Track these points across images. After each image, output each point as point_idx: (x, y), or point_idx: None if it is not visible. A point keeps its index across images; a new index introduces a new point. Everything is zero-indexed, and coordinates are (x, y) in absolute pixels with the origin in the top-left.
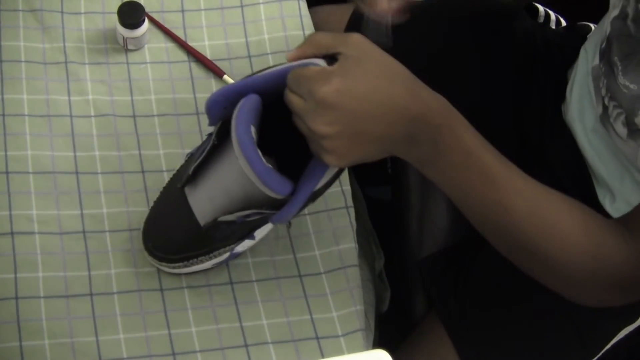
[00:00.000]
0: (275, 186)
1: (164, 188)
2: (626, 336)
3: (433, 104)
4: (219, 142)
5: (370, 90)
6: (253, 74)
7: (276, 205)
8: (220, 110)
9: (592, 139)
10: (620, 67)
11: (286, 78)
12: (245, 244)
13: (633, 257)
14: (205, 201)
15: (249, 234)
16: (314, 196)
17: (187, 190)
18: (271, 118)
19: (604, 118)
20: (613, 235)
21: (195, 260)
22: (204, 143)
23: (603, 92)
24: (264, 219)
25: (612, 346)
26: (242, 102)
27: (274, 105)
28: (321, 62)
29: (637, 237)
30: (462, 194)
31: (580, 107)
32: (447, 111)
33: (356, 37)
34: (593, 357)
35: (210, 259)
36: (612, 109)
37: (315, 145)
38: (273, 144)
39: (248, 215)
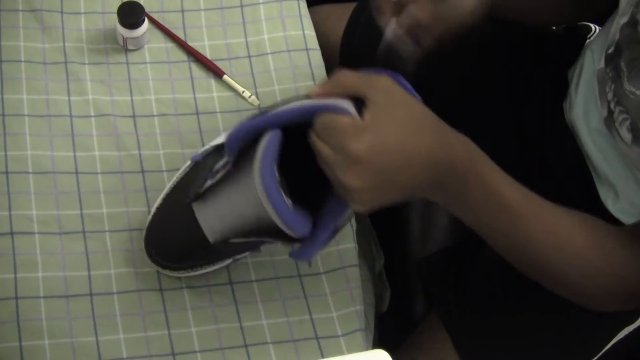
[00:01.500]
0: (298, 228)
1: (167, 195)
2: (626, 336)
3: (459, 149)
4: (234, 167)
5: (399, 142)
6: (273, 106)
7: (291, 237)
8: (240, 144)
9: (597, 139)
10: (626, 73)
11: (309, 114)
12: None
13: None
14: (215, 219)
15: (257, 249)
16: (335, 232)
17: (195, 205)
18: (289, 147)
19: (609, 121)
20: (624, 250)
21: (198, 267)
22: (211, 157)
23: (609, 96)
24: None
25: (612, 346)
26: (266, 141)
27: (292, 135)
28: (348, 105)
29: None
30: (486, 228)
31: (586, 108)
32: (472, 154)
33: (384, 82)
34: (593, 357)
35: (213, 265)
36: (618, 114)
37: (341, 191)
38: (289, 169)
39: (261, 242)
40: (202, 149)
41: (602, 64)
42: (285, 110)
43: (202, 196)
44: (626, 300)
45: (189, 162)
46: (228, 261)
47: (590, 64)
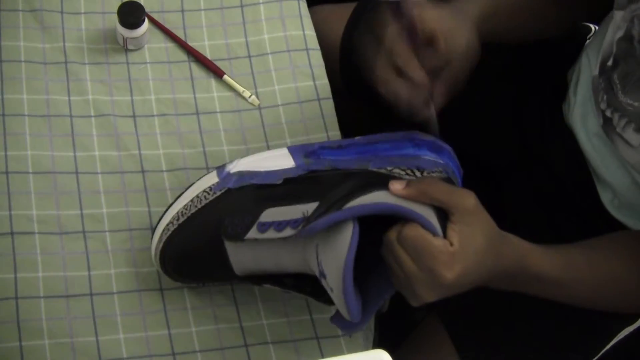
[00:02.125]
0: (356, 316)
1: (192, 215)
2: (626, 337)
3: (511, 257)
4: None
5: (476, 267)
6: (348, 199)
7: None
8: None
9: (595, 143)
10: (619, 86)
11: (391, 212)
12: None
13: None
14: (249, 261)
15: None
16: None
17: (227, 241)
18: None
19: (607, 128)
20: None
21: (212, 284)
22: (250, 197)
23: (603, 105)
24: None
25: (612, 347)
26: (350, 243)
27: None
28: (434, 221)
29: None
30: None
31: (584, 111)
32: (523, 251)
33: (469, 201)
34: (593, 358)
35: (229, 283)
36: (619, 120)
37: (408, 294)
38: None
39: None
40: (233, 168)
41: (596, 72)
42: (368, 205)
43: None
44: None
45: (214, 177)
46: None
47: (587, 68)
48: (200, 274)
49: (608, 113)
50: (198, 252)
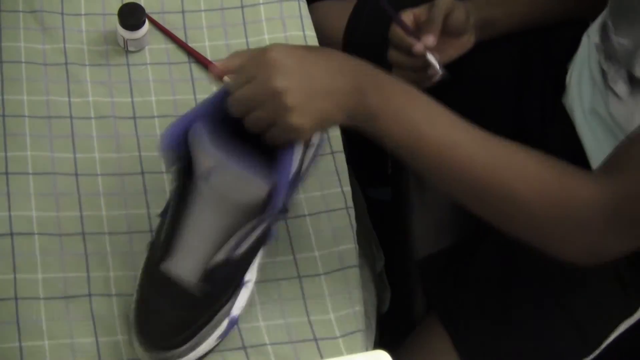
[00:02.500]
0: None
1: (141, 281)
2: (627, 330)
3: (367, 61)
4: (183, 187)
5: (309, 52)
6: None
7: (259, 212)
8: (179, 147)
9: (590, 120)
10: (612, 27)
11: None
12: (240, 301)
13: (601, 193)
14: (189, 261)
15: (241, 281)
16: (298, 179)
17: (164, 265)
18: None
19: (604, 86)
20: (580, 174)
21: (198, 336)
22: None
23: (602, 60)
24: (252, 252)
25: (613, 341)
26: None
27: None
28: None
29: (610, 175)
30: (413, 140)
31: (579, 90)
32: (387, 77)
33: (275, 47)
34: (593, 352)
35: (213, 329)
36: (614, 73)
37: (277, 117)
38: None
39: (237, 245)
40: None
41: (597, 39)
42: (203, 101)
43: (167, 249)
44: (592, 237)
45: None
46: (225, 323)
47: (585, 48)
48: (177, 327)
49: (606, 67)
50: (158, 304)
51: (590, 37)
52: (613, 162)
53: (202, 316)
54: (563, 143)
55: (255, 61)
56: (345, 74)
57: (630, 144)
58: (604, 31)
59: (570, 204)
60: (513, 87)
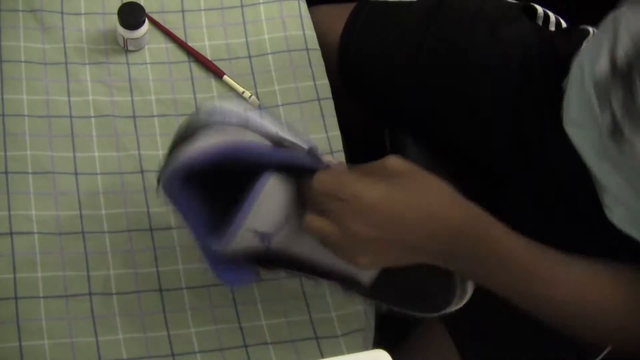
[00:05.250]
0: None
1: None
2: None
3: (472, 214)
4: None
5: (413, 200)
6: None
7: None
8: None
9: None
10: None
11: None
12: None
13: None
14: None
15: None
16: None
17: None
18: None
19: (616, 134)
20: None
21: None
22: None
23: (616, 105)
24: None
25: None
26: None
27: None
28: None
29: None
30: (505, 292)
31: (580, 124)
32: (484, 221)
33: (394, 160)
34: (595, 359)
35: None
36: (629, 125)
37: (347, 245)
38: None
39: None
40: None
41: (604, 73)
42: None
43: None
44: None
45: None
46: None
47: (579, 77)
48: None
49: (619, 116)
50: None
51: (585, 67)
52: None
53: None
54: (564, 156)
55: (362, 183)
56: (444, 233)
57: None
58: (625, 82)
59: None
60: (512, 98)
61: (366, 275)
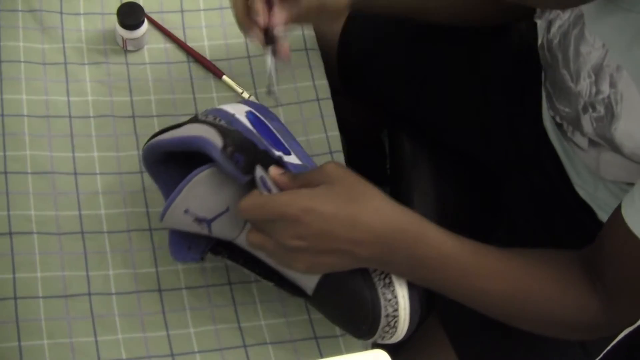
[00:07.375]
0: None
1: None
2: (626, 336)
3: (402, 220)
4: None
5: (341, 208)
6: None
7: None
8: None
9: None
10: (552, 94)
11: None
12: None
13: (608, 313)
14: None
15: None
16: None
17: None
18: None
19: (562, 133)
20: (583, 279)
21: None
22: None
23: (551, 113)
24: None
25: (613, 347)
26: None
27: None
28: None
29: (615, 303)
30: (443, 290)
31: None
32: (416, 224)
33: (330, 166)
34: (594, 359)
35: None
36: (567, 126)
37: (282, 254)
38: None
39: None
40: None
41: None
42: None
43: None
44: (590, 330)
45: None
46: None
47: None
48: None
49: (558, 119)
50: None
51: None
52: (602, 257)
53: None
54: (557, 158)
55: (284, 212)
56: (367, 244)
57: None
58: (548, 96)
59: (580, 318)
60: (507, 101)
61: (311, 281)
